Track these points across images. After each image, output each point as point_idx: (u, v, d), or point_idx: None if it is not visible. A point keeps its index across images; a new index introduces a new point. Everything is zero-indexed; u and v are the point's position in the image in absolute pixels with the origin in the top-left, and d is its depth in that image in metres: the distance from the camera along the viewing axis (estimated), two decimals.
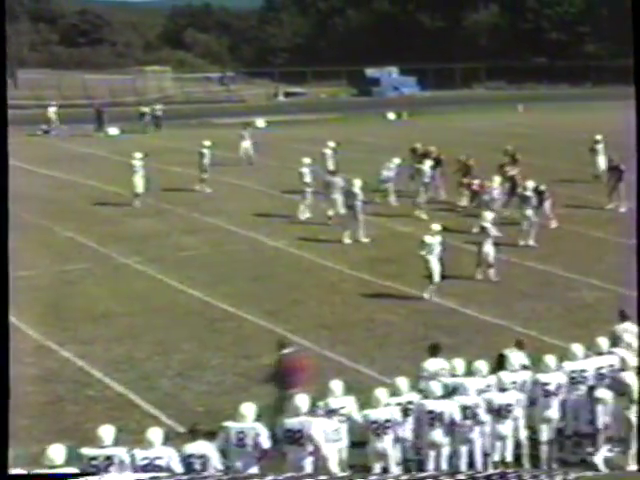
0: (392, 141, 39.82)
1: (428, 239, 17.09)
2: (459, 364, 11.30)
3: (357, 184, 22.42)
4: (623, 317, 13.00)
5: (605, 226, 23.98)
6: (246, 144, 34.67)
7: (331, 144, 29.73)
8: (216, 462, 9.24)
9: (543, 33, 75.24)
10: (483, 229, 18.66)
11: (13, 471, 8.22)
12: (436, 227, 17.43)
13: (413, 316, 16.94)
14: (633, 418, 10.93)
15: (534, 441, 11.25)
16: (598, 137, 29.53)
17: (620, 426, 11.13)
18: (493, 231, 18.75)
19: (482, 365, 11.21)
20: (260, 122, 47.18)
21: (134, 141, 40.13)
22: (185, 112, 53.07)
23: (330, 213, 24.30)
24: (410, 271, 19.85)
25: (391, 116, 52.42)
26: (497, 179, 23.91)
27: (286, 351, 11.95)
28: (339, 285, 19.19)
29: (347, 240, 22.08)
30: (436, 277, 17.10)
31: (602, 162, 28.50)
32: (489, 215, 19.10)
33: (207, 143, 29.61)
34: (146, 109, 46.22)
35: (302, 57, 75.72)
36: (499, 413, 10.79)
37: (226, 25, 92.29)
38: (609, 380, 11.30)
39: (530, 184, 22.68)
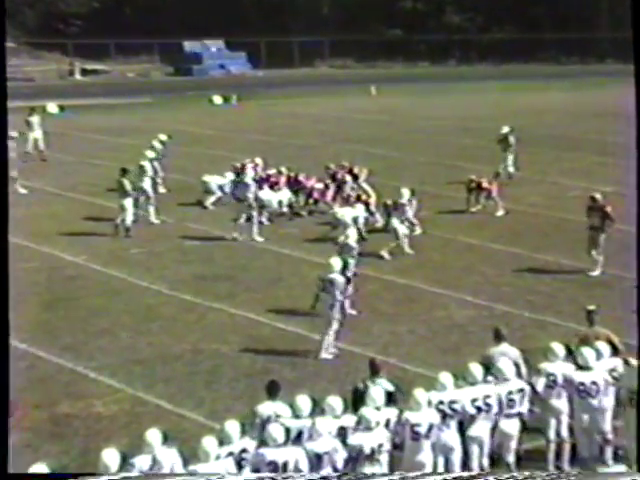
0: (221, 131, 39.92)
1: (334, 276, 16.69)
2: (304, 402, 11.36)
3: (250, 174, 24.74)
4: (499, 338, 13.51)
5: (476, 231, 24.87)
6: (35, 135, 33.90)
7: (162, 137, 29.89)
8: None
9: (397, 1, 77.04)
10: (344, 247, 18.78)
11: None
12: (336, 263, 17.02)
13: (249, 345, 17.12)
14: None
15: None
16: (506, 129, 30.13)
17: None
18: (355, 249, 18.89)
19: (336, 402, 11.36)
20: (52, 107, 46.26)
21: None
22: None
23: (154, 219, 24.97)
24: (243, 290, 20.34)
25: (218, 100, 52.44)
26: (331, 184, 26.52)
27: None
28: (157, 309, 19.28)
29: (258, 237, 23.38)
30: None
31: (510, 160, 29.60)
32: (352, 232, 19.50)
33: (14, 134, 28.72)
34: None
35: (102, 26, 74.44)
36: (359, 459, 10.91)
37: None
38: (616, 392, 12.03)
39: (406, 191, 23.33)
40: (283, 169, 27.83)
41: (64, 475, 9.56)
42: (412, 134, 40.32)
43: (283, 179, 27.30)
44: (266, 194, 26.14)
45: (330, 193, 26.62)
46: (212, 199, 27.82)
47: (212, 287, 20.50)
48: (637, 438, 10.58)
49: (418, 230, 24.32)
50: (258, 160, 28.70)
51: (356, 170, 27.56)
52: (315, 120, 44.71)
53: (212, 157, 32.97)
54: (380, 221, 24.75)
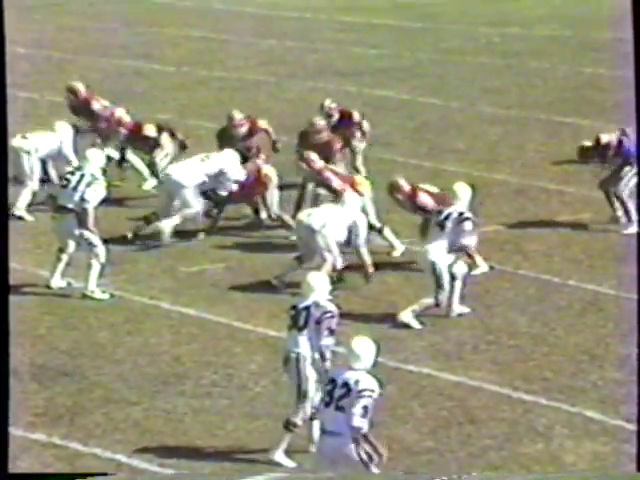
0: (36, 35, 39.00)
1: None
2: None
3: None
4: None
5: (608, 266, 21.25)
6: None
7: None
8: None
9: None
10: (306, 317, 15.30)
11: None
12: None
13: None
14: None
15: None
16: None
17: None
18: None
19: None
20: None
21: None
22: None
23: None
24: (102, 401, 16.79)
25: None
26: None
27: None
28: None
29: (95, 290, 21.16)
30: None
31: None
32: (318, 283, 15.40)
33: None
34: None
35: None
36: None
37: None
38: None
39: (464, 190, 20.46)
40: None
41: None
42: (463, 57, 36.35)
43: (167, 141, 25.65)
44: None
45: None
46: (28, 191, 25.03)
47: (39, 393, 17.63)
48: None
49: (482, 266, 21.09)
50: (119, 112, 26.15)
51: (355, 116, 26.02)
52: (250, 25, 40.98)
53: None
54: (398, 245, 22.09)
